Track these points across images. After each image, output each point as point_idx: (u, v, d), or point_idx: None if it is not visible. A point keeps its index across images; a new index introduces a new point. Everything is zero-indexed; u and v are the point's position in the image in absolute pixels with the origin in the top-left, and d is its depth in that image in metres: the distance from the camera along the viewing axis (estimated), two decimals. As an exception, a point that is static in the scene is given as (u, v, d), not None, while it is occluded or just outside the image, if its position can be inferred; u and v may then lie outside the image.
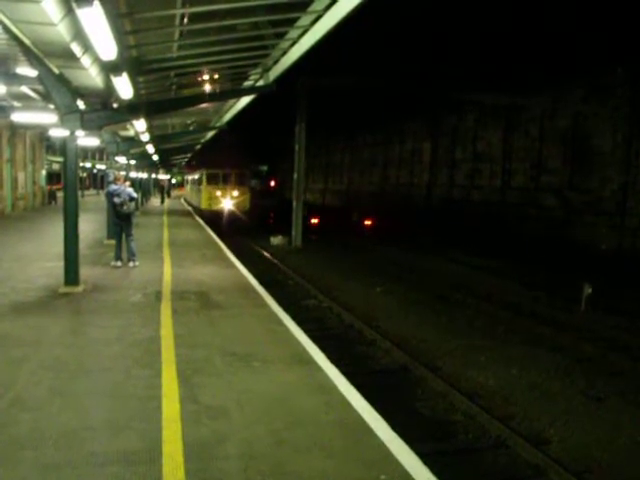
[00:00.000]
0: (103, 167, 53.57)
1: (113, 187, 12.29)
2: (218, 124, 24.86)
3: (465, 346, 9.53)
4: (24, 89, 13.81)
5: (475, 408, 6.82)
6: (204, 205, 28.73)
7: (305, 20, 9.45)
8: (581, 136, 21.68)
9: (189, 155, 54.73)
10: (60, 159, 39.82)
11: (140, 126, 17.82)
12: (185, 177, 58.22)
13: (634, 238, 19.10)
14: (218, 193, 28.08)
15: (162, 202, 42.40)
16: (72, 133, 9.37)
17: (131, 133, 20.57)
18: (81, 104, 10.04)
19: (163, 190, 47.83)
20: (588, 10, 19.88)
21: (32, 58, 8.36)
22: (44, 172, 35.04)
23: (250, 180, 29.49)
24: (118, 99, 11.22)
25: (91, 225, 20.36)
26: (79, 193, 10.57)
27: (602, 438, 6.30)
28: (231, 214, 27.74)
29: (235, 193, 28.05)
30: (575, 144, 21.94)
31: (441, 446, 5.96)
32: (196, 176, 35.27)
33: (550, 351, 9.37)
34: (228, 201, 27.81)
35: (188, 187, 45.97)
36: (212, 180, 28.50)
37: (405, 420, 6.11)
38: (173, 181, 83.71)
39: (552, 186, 23.00)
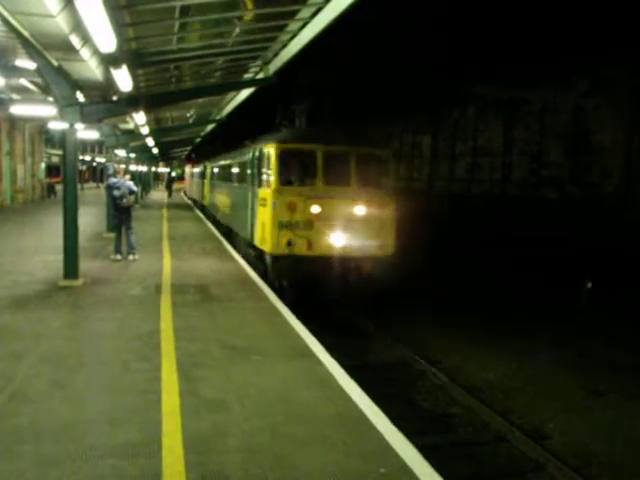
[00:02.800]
0: (103, 160, 53.56)
1: (113, 180, 12.27)
2: (218, 117, 24.82)
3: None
4: (23, 82, 13.77)
5: (475, 402, 6.83)
6: (271, 244, 10.17)
7: (305, 12, 9.42)
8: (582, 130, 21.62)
9: (189, 148, 54.66)
10: (59, 152, 39.75)
11: (140, 119, 17.76)
12: (192, 170, 41.70)
13: (635, 233, 19.06)
14: (315, 210, 9.99)
15: (169, 195, 42.62)
16: (71, 126, 9.33)
17: (131, 126, 20.50)
18: (80, 97, 9.99)
19: (171, 183, 47.98)
20: (589, 2, 19.82)
21: (31, 50, 8.31)
22: (43, 165, 35.00)
23: (394, 174, 12.25)
24: (118, 92, 11.17)
25: (91, 218, 20.32)
26: (78, 186, 10.54)
27: (602, 433, 6.31)
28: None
29: (361, 210, 10.12)
30: (576, 138, 21.88)
31: (441, 439, 5.97)
32: (234, 166, 16.04)
33: (550, 345, 9.38)
34: (341, 236, 10.03)
35: (205, 185, 27.18)
36: (295, 170, 10.72)
37: (405, 413, 6.12)
38: (173, 174, 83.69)
39: (553, 180, 22.97)
